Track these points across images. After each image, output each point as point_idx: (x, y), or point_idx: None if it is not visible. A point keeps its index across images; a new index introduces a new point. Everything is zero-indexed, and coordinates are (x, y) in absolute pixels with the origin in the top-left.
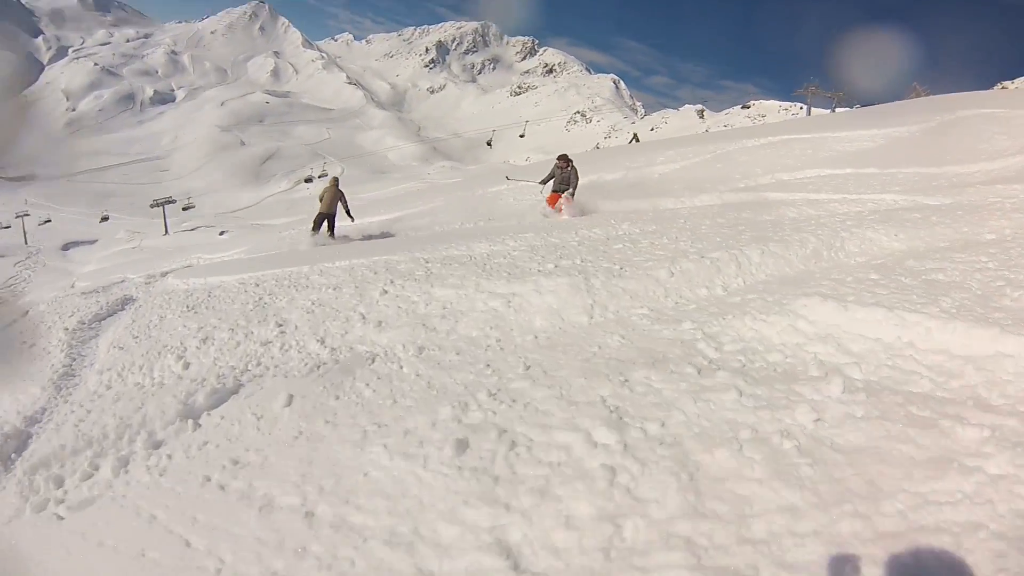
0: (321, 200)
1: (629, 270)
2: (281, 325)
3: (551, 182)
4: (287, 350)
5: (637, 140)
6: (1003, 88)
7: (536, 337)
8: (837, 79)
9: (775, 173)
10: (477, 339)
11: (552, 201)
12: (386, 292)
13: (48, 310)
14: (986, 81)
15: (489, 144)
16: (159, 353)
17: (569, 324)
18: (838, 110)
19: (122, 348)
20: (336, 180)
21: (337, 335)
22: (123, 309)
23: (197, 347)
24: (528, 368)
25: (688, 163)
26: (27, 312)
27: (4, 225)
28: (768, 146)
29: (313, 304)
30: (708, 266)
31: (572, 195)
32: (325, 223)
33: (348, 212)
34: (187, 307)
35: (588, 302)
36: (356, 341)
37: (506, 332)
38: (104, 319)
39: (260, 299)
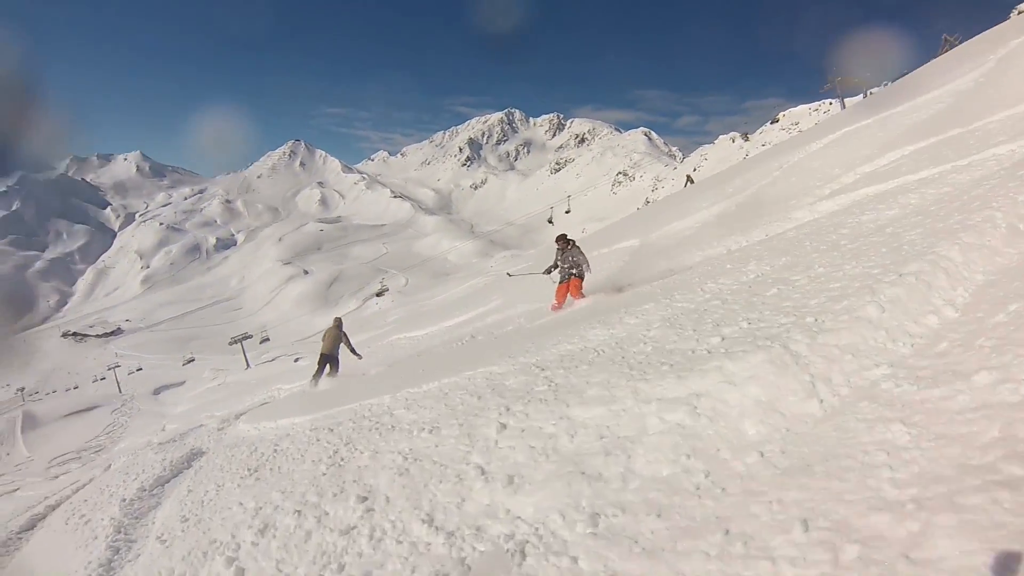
0: (323, 341)
1: (823, 318)
2: (366, 499)
3: (557, 270)
4: (379, 540)
5: (692, 182)
6: (1020, 12)
7: (762, 454)
8: (856, 64)
9: (855, 168)
10: (673, 479)
11: (560, 296)
12: (505, 426)
13: (127, 464)
14: (1002, 12)
15: (551, 222)
16: (204, 554)
17: (794, 419)
18: (873, 91)
19: (164, 542)
20: (339, 321)
21: (452, 507)
22: (189, 467)
23: (253, 543)
24: (805, 520)
25: (759, 185)
26: (108, 467)
27: (100, 377)
28: (833, 144)
29: (406, 458)
30: (914, 284)
31: (583, 276)
32: (328, 366)
33: (353, 350)
34: (249, 469)
35: (805, 379)
36: (483, 515)
37: (711, 456)
38: (168, 482)
39: (336, 453)
